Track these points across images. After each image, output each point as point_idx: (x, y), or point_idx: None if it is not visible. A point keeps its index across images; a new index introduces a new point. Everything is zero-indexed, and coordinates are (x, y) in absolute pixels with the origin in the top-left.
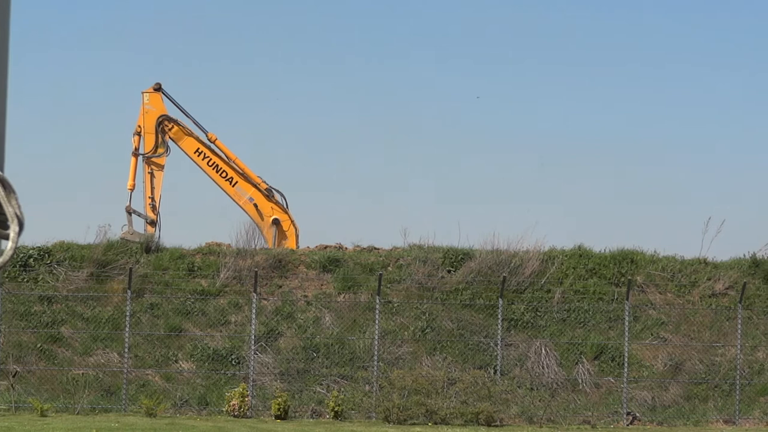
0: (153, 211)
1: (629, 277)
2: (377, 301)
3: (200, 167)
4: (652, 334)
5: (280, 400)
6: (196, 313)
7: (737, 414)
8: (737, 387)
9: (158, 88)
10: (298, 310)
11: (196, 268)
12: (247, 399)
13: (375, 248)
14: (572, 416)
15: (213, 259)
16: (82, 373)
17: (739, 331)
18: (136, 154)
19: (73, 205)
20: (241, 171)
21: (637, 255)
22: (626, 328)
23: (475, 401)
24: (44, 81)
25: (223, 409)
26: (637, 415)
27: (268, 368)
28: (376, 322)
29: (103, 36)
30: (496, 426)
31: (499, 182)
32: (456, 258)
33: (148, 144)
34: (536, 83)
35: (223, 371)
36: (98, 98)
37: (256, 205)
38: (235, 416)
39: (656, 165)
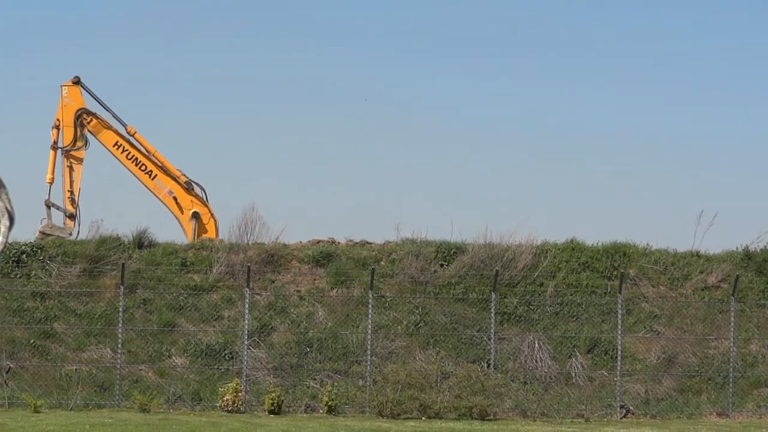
0: (72, 205)
1: (622, 271)
2: (370, 295)
3: (120, 161)
4: (645, 328)
5: (273, 394)
6: (189, 309)
7: (730, 407)
8: (730, 380)
9: (77, 82)
10: (291, 304)
11: (188, 263)
12: (240, 394)
13: (368, 243)
14: (566, 410)
15: (205, 254)
16: (76, 369)
17: (732, 324)
18: (54, 147)
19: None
20: (160, 164)
21: (630, 248)
22: (619, 322)
23: (469, 395)
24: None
25: (217, 405)
26: (631, 408)
27: (261, 363)
28: (369, 316)
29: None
30: (490, 420)
31: (492, 176)
32: (449, 252)
33: (66, 137)
34: (528, 78)
35: (216, 366)
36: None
37: (175, 199)
38: (228, 411)
39: (648, 158)
